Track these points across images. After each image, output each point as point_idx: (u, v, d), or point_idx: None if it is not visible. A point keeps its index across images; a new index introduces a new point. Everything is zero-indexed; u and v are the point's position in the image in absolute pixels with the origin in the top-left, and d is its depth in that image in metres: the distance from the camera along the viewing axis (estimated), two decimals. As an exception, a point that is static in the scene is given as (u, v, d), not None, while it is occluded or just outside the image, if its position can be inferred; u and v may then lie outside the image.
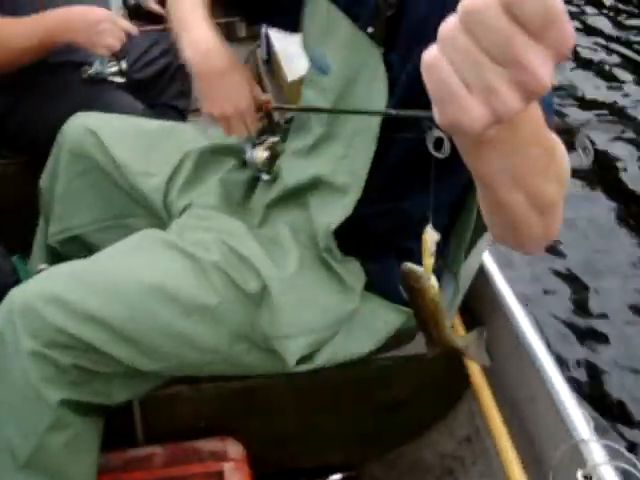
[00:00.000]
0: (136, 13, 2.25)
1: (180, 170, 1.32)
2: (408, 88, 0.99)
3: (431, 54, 0.43)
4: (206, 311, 1.07)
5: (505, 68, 0.41)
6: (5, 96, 1.75)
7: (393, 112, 0.95)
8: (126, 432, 1.30)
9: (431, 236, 0.67)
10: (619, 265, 2.64)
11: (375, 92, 1.01)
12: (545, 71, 0.40)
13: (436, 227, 0.68)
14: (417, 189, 0.91)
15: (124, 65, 1.77)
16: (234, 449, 1.30)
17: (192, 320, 1.07)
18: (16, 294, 1.04)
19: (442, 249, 1.22)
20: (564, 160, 0.67)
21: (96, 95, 1.76)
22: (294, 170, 1.17)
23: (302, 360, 1.12)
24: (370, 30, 1.01)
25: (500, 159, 0.55)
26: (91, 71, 1.74)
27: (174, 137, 1.38)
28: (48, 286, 1.05)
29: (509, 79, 0.41)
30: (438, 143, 0.72)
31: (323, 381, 1.12)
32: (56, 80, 1.78)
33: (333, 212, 1.12)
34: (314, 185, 1.15)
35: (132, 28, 1.70)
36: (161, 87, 2.05)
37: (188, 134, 1.40)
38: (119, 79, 1.77)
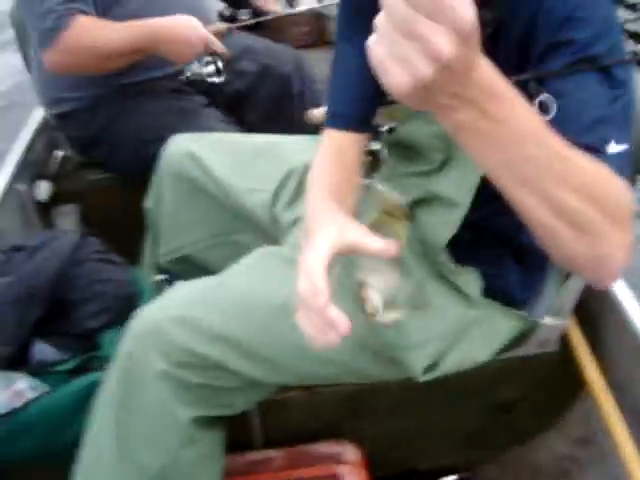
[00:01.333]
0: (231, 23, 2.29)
1: (286, 184, 1.34)
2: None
3: (370, 39, 0.55)
4: None
5: (414, 42, 0.52)
6: (109, 107, 1.83)
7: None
8: (245, 436, 1.34)
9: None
10: None
11: None
12: (444, 42, 0.51)
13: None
14: None
15: (220, 64, 1.75)
16: (350, 452, 1.32)
17: None
18: (144, 316, 1.08)
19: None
20: (612, 188, 0.72)
21: (188, 114, 1.82)
22: (407, 188, 1.15)
23: (427, 369, 1.13)
24: None
25: (491, 151, 0.63)
26: (189, 74, 1.75)
27: (272, 152, 1.40)
28: (175, 308, 1.08)
29: (418, 50, 0.52)
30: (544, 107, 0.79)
31: (437, 382, 1.13)
32: (153, 97, 1.84)
33: (442, 228, 1.11)
34: (422, 201, 1.14)
35: (223, 50, 1.73)
36: (254, 101, 2.04)
37: (286, 148, 1.42)
38: (216, 79, 1.77)
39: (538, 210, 0.68)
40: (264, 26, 2.29)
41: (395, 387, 1.27)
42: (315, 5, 2.27)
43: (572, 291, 1.25)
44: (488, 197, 1.08)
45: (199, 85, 1.85)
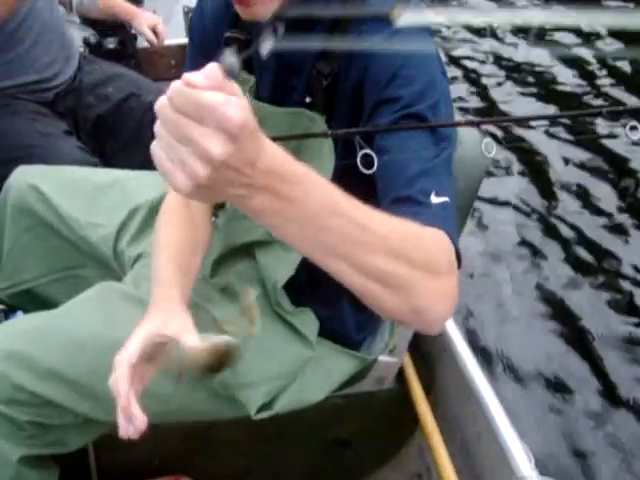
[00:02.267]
0: (96, 50, 2.28)
1: (131, 220, 1.33)
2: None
3: (152, 143, 0.58)
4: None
5: (187, 146, 0.55)
6: None
7: (329, 132, 0.97)
8: (79, 474, 1.30)
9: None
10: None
11: (324, 157, 1.02)
12: (213, 144, 0.54)
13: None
14: None
15: None
16: None
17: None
18: None
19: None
20: (424, 243, 0.75)
21: (47, 139, 1.77)
22: (240, 230, 1.19)
23: (262, 408, 1.14)
24: (308, 100, 1.03)
25: (290, 227, 0.65)
26: None
27: (121, 187, 1.38)
28: (7, 342, 1.05)
29: (192, 153, 0.55)
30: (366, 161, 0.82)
31: (275, 420, 1.14)
32: (10, 115, 1.79)
33: (280, 269, 1.14)
34: (261, 243, 1.17)
35: None
36: (115, 129, 2.02)
37: (136, 183, 1.40)
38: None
39: (349, 275, 0.71)
40: (129, 56, 2.30)
41: (233, 424, 1.27)
42: (183, 39, 2.29)
43: (406, 331, 1.30)
44: None
45: (62, 107, 1.82)
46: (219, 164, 0.55)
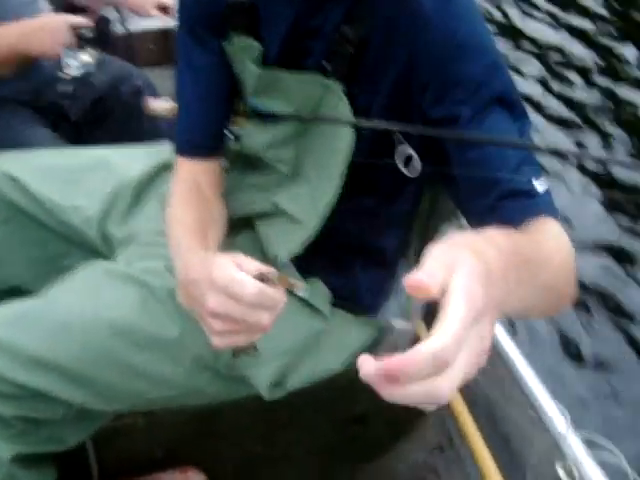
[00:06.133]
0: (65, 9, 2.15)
1: (117, 199, 1.24)
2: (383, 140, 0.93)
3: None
4: (165, 344, 1.01)
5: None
6: None
7: (364, 122, 0.90)
8: (79, 470, 1.23)
9: None
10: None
11: (340, 130, 0.95)
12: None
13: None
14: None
15: (90, 51, 1.69)
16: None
17: (149, 355, 1.00)
18: None
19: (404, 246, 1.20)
20: (548, 245, 0.73)
21: (13, 129, 1.70)
22: (238, 203, 1.11)
23: (273, 386, 1.06)
24: (327, 66, 0.94)
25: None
26: (69, 68, 1.68)
27: (105, 165, 1.29)
28: None
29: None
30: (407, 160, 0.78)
31: (286, 398, 1.06)
32: None
33: (283, 244, 1.06)
34: (269, 215, 1.09)
35: (83, 20, 1.64)
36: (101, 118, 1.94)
37: (120, 159, 1.31)
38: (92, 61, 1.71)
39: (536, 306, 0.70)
40: (111, 42, 2.19)
41: (242, 408, 1.20)
42: (160, 23, 2.20)
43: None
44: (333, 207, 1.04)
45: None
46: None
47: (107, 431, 1.14)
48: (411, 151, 0.77)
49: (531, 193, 0.81)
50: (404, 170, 0.75)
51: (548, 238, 0.75)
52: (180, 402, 1.09)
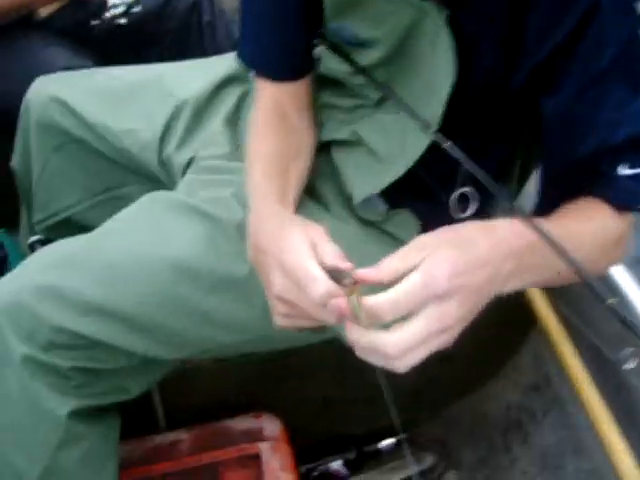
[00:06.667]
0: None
1: (175, 120, 1.14)
2: (487, 57, 0.83)
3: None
4: (235, 284, 0.91)
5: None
6: None
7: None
8: (145, 418, 1.18)
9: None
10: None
11: (441, 62, 0.82)
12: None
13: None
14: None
15: None
16: (270, 425, 1.17)
17: (218, 296, 0.91)
18: (1, 289, 0.89)
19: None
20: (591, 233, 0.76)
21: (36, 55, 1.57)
22: (329, 123, 0.99)
23: None
24: None
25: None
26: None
27: (159, 84, 1.20)
28: (39, 276, 0.89)
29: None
30: None
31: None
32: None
33: (360, 181, 0.95)
34: (349, 144, 0.97)
35: None
36: (156, 36, 1.80)
37: (176, 77, 1.21)
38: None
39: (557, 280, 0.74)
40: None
41: (314, 347, 1.10)
42: None
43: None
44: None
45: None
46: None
47: (173, 376, 1.06)
48: None
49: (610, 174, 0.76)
50: None
51: (585, 221, 0.76)
52: (254, 348, 1.01)
